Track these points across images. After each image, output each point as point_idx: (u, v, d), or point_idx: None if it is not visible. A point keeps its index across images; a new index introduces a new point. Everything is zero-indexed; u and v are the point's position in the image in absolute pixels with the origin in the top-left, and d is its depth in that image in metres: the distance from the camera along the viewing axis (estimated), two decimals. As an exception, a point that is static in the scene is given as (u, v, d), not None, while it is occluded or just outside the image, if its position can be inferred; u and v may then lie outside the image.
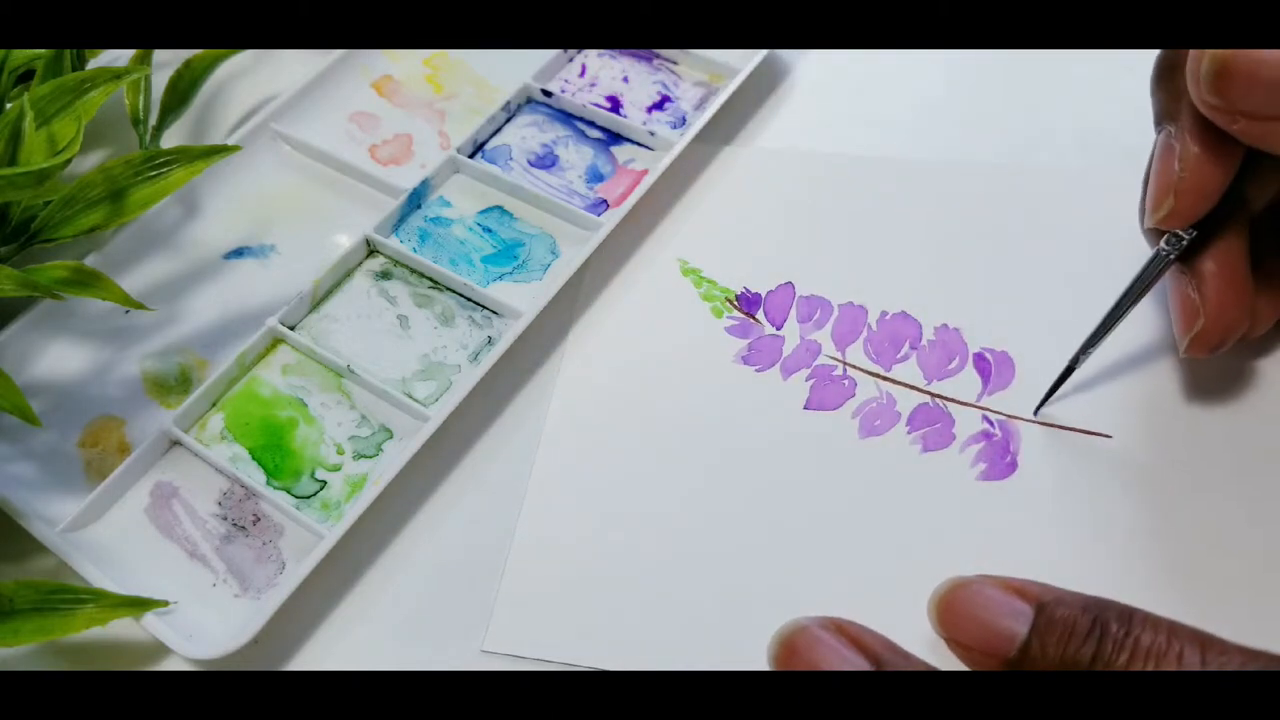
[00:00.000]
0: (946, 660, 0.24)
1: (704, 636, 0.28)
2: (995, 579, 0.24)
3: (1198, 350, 0.28)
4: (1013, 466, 0.30)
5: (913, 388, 0.32)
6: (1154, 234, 0.29)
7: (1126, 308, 0.29)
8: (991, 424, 0.31)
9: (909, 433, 0.31)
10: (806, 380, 0.32)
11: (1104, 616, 0.22)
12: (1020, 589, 0.23)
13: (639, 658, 0.27)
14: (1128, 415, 0.30)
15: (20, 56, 0.36)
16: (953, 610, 0.24)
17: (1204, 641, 0.21)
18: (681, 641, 0.28)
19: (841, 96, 0.40)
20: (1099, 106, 0.38)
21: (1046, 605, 0.22)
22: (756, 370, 0.33)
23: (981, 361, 0.32)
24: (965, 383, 0.32)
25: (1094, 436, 0.30)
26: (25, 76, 0.37)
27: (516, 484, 0.31)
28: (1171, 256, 0.28)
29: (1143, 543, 0.28)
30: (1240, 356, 0.31)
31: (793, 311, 0.34)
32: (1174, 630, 0.21)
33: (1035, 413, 0.31)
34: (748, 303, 0.34)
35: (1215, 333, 0.28)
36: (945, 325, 0.33)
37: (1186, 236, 0.28)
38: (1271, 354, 0.31)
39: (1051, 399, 0.30)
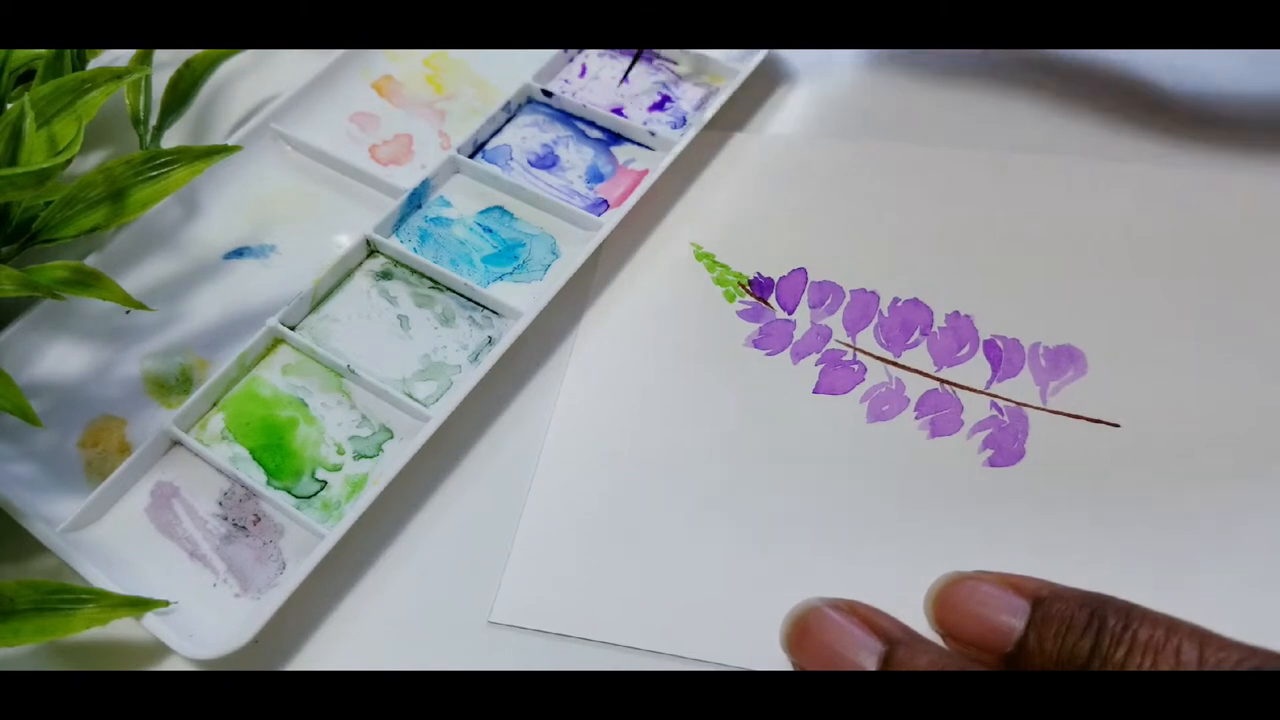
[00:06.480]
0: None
1: (709, 618, 0.28)
2: (992, 574, 0.24)
3: None
4: (1020, 453, 0.30)
5: (922, 373, 0.32)
6: None
7: None
8: (1000, 411, 0.31)
9: (917, 418, 0.31)
10: (816, 365, 0.32)
11: (1102, 612, 0.21)
12: (1017, 584, 0.23)
13: (648, 639, 0.27)
14: (1136, 404, 0.30)
15: (21, 57, 0.36)
16: (949, 605, 0.24)
17: (1203, 637, 0.20)
18: (687, 623, 0.28)
19: (842, 97, 0.40)
20: (1103, 100, 0.38)
21: (1044, 600, 0.22)
22: (767, 354, 0.33)
23: (992, 349, 0.32)
24: (975, 369, 0.32)
25: (1102, 425, 0.30)
26: (26, 77, 0.37)
27: (517, 483, 0.31)
28: None
29: (1149, 532, 0.28)
30: (1248, 346, 0.31)
31: (804, 297, 0.34)
32: (1172, 626, 0.21)
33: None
34: (760, 287, 0.34)
35: None
36: (957, 312, 0.33)
37: None
38: (1278, 340, 0.31)
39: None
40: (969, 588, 0.24)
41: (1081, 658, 0.21)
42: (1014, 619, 0.22)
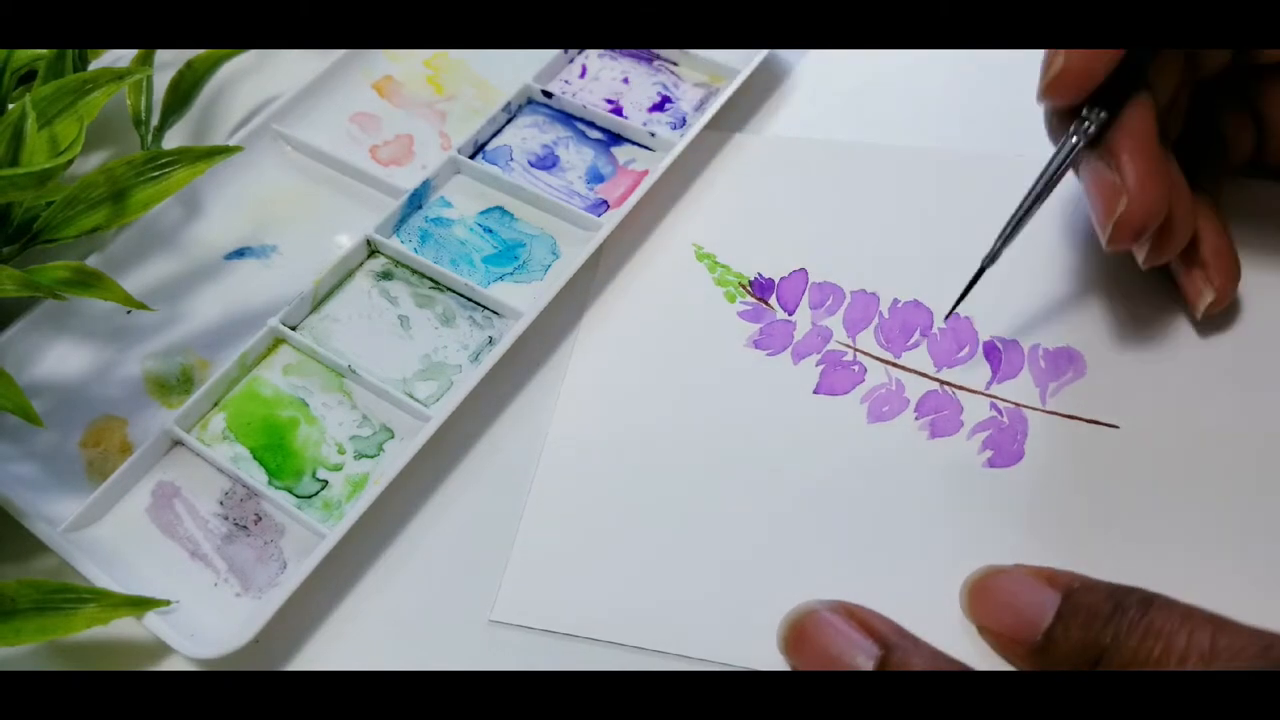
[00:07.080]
0: (951, 645, 0.24)
1: (709, 617, 0.28)
2: (1026, 567, 0.25)
3: (1122, 236, 0.26)
4: (1020, 454, 0.30)
5: (922, 374, 0.32)
6: (1060, 124, 0.28)
7: (1038, 200, 0.28)
8: (1000, 412, 0.31)
9: (916, 419, 0.31)
10: (817, 365, 0.32)
11: (1125, 601, 0.22)
12: (1050, 577, 0.24)
13: (648, 638, 0.27)
14: (1135, 405, 0.30)
15: (22, 57, 0.36)
16: (982, 597, 0.25)
17: (1217, 625, 0.21)
18: (687, 623, 0.28)
19: (842, 97, 0.40)
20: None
21: (1075, 591, 0.23)
22: (768, 354, 0.33)
23: (992, 350, 0.32)
24: (975, 371, 0.32)
25: (1101, 426, 0.30)
26: (27, 77, 0.37)
27: (517, 483, 0.31)
28: (1081, 143, 0.27)
29: (1148, 532, 0.28)
30: (1245, 344, 0.31)
31: (805, 297, 0.34)
32: (1188, 614, 0.21)
33: (945, 320, 0.32)
34: (761, 288, 0.34)
35: (1139, 214, 0.26)
36: (957, 314, 0.33)
37: (1094, 122, 0.27)
38: (1277, 342, 0.31)
39: (962, 302, 0.30)
40: (1003, 580, 0.24)
41: (1104, 646, 0.22)
42: (1045, 610, 0.23)
